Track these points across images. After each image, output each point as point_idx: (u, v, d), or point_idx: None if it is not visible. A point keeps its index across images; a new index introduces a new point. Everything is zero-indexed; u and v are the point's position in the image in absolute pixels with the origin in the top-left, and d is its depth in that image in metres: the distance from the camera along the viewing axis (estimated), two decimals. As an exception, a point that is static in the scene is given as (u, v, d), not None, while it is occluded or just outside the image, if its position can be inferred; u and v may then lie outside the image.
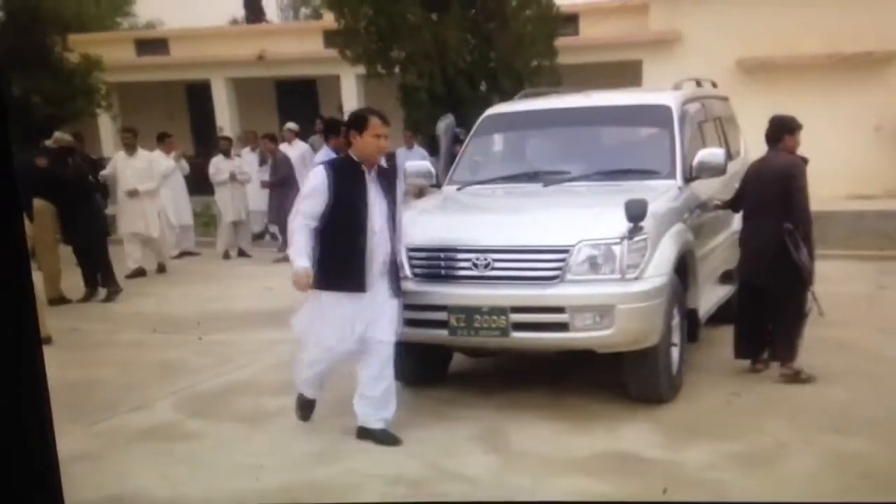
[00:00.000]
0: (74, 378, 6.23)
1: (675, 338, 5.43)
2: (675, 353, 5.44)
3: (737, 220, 7.04)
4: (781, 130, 5.74)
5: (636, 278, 4.89)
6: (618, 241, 4.84)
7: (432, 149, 6.76)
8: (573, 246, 4.86)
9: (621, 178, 5.77)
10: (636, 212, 4.78)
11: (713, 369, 6.06)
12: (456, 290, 5.01)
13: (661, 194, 5.47)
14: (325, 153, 7.46)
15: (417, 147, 11.77)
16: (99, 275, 9.56)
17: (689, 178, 5.83)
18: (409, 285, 5.07)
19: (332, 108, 17.97)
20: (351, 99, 17.35)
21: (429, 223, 5.50)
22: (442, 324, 5.01)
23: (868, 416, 5.04)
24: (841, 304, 7.53)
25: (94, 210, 9.68)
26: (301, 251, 4.67)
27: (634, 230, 4.83)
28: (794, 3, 14.81)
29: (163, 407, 5.76)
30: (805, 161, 5.75)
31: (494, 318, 4.88)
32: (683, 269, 5.52)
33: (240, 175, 12.39)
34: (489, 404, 5.48)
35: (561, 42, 13.23)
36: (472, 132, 6.63)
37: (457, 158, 6.54)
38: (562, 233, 4.95)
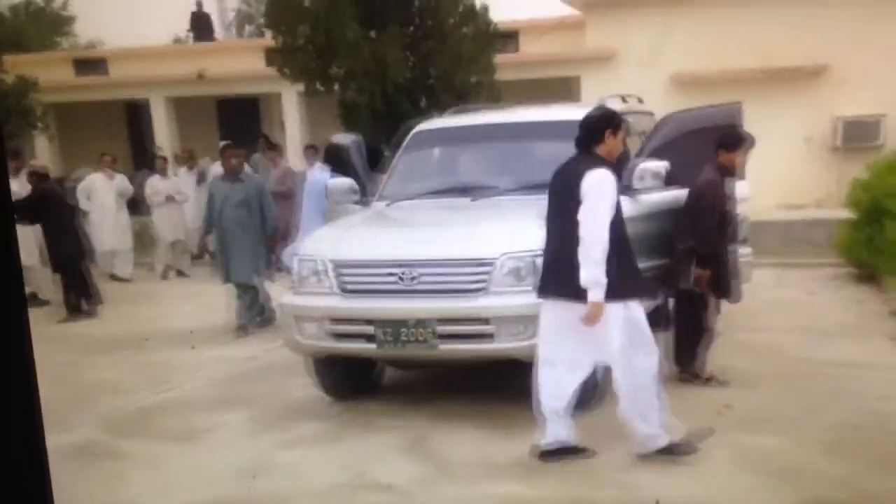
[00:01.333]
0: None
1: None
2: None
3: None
4: (717, 146, 5.73)
5: None
6: (540, 252, 4.95)
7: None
8: (496, 258, 4.98)
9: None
10: None
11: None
12: (383, 303, 5.10)
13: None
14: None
15: (320, 165, 11.70)
16: (83, 298, 9.63)
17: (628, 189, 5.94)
18: (337, 300, 5.14)
19: (275, 126, 17.95)
20: (293, 116, 17.33)
21: (355, 238, 5.59)
22: (370, 337, 5.09)
23: (783, 416, 5.22)
24: (769, 309, 7.81)
25: (77, 232, 9.78)
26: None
27: None
28: (725, 21, 15.25)
29: (92, 427, 5.74)
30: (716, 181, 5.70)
31: (421, 330, 4.99)
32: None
33: (177, 195, 12.31)
34: (419, 414, 5.58)
35: (501, 59, 13.41)
36: (401, 148, 6.73)
37: (386, 174, 6.63)
38: (486, 245, 5.07)
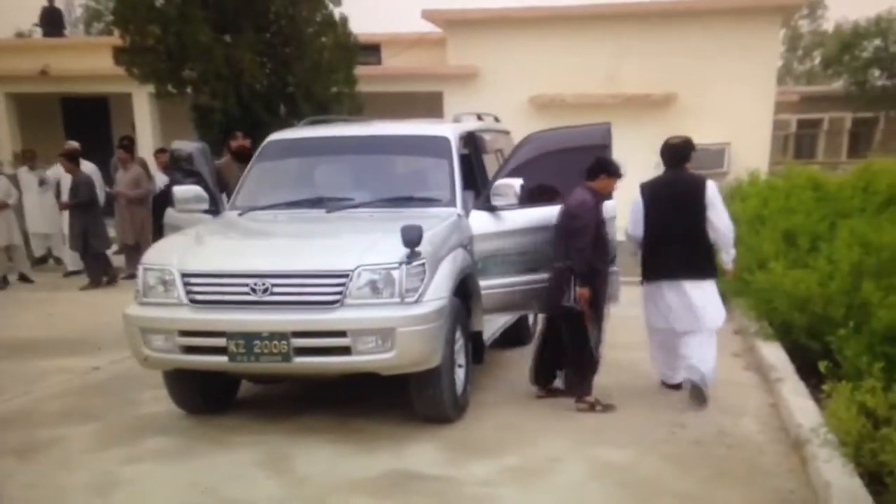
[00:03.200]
0: None
1: (460, 359, 5.59)
2: (460, 373, 5.59)
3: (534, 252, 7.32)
4: (599, 170, 5.81)
5: (416, 302, 4.98)
6: (396, 265, 4.92)
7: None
8: (352, 270, 4.88)
9: (403, 205, 5.87)
10: (412, 237, 4.88)
11: (500, 390, 6.28)
12: (235, 315, 4.90)
13: (441, 221, 5.61)
14: None
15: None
16: None
17: (469, 207, 5.99)
18: (186, 311, 4.92)
19: (126, 128, 17.15)
20: (144, 118, 16.64)
21: (207, 248, 5.37)
22: (221, 350, 4.88)
23: (632, 431, 5.38)
24: (633, 327, 7.98)
25: None
26: None
27: (412, 255, 4.93)
28: (581, 49, 15.86)
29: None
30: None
31: (275, 343, 4.82)
32: (467, 293, 5.69)
33: (6, 197, 11.50)
34: (276, 429, 5.42)
35: (364, 71, 13.36)
36: (254, 157, 6.53)
37: (238, 183, 6.41)
38: (341, 257, 4.97)
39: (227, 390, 5.91)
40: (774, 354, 6.60)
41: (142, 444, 5.22)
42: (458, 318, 5.47)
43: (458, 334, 5.52)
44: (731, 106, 15.60)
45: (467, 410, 5.70)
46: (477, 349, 5.95)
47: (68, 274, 11.99)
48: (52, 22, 20.02)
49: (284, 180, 6.43)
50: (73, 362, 7.22)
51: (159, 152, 11.87)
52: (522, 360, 7.10)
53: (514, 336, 7.34)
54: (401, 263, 4.93)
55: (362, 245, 5.12)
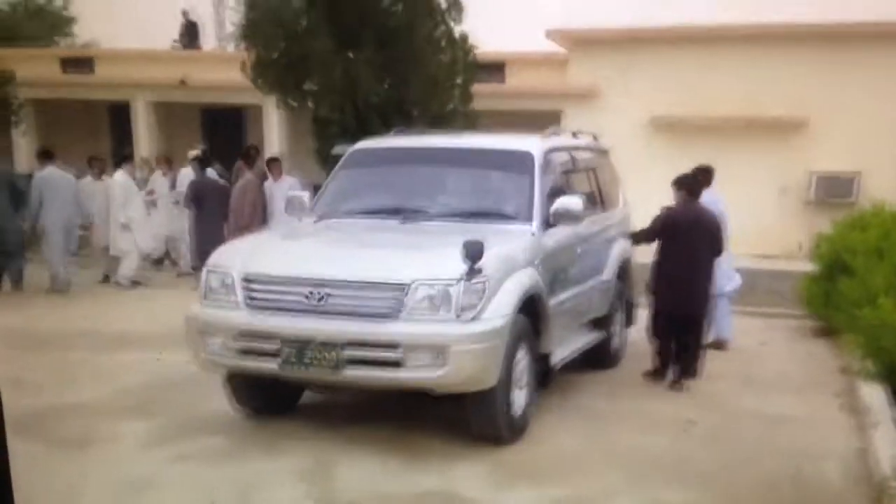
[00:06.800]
0: None
1: (521, 380, 5.43)
2: (521, 394, 5.43)
3: (608, 269, 7.15)
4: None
5: (473, 319, 4.87)
6: (454, 281, 4.82)
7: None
8: (409, 284, 4.82)
9: (477, 219, 5.78)
10: (473, 253, 4.78)
11: (567, 414, 6.08)
12: (288, 321, 4.93)
13: (512, 238, 5.49)
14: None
15: (287, 177, 11.59)
16: None
17: (547, 224, 5.87)
18: (242, 315, 5.00)
19: (257, 137, 17.86)
20: (272, 129, 17.28)
21: (268, 253, 5.45)
22: (273, 355, 4.93)
23: (700, 468, 5.08)
24: (715, 356, 7.67)
25: None
26: None
27: (472, 271, 4.82)
28: (709, 68, 15.28)
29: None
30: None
31: (327, 352, 4.82)
32: (535, 312, 5.53)
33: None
34: (329, 437, 5.41)
35: (486, 88, 13.42)
36: (338, 166, 6.61)
37: (320, 192, 6.50)
38: (398, 269, 4.92)
39: (290, 394, 5.95)
40: (875, 396, 6.11)
41: (194, 443, 5.31)
42: (523, 337, 5.33)
43: (522, 354, 5.37)
44: (864, 134, 14.69)
45: (527, 432, 5.53)
46: (544, 371, 5.80)
47: (182, 275, 12.51)
48: (191, 34, 21.19)
49: (365, 189, 6.45)
50: (151, 357, 7.44)
51: (271, 161, 12.24)
52: (597, 384, 6.91)
53: (593, 359, 7.13)
54: (459, 279, 4.83)
55: (422, 258, 5.06)
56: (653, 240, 6.98)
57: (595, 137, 7.82)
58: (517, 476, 4.87)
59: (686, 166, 7.45)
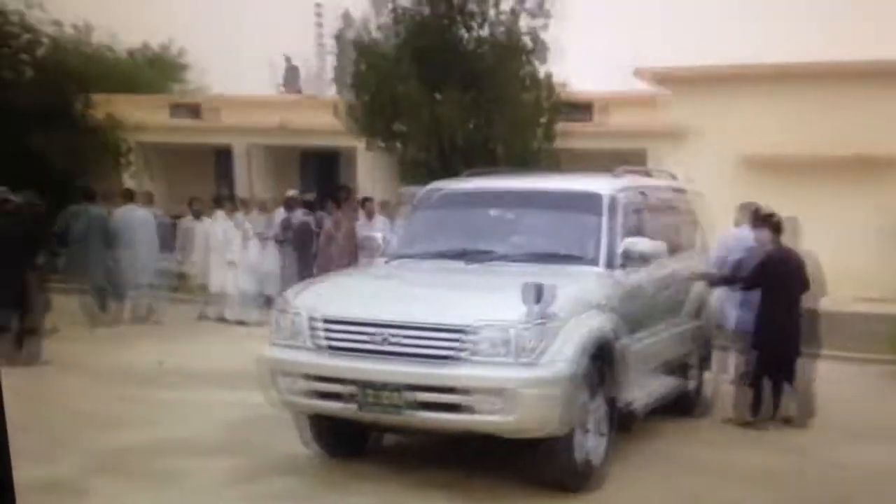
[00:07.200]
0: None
1: (594, 426, 5.35)
2: (594, 441, 5.34)
3: (685, 311, 7.01)
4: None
5: (535, 363, 4.83)
6: (515, 323, 4.82)
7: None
8: (470, 326, 4.84)
9: (544, 261, 5.76)
10: (533, 295, 4.77)
11: (646, 462, 5.95)
12: (351, 363, 5.01)
13: (578, 280, 5.47)
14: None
15: (380, 216, 11.67)
16: None
17: (615, 266, 5.82)
18: (308, 356, 5.13)
19: (351, 178, 18.33)
20: (365, 170, 17.71)
21: (334, 294, 5.57)
22: (336, 396, 5.02)
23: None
24: (820, 405, 7.35)
25: None
26: None
27: (531, 314, 4.81)
28: (798, 108, 14.93)
29: (70, 461, 5.73)
30: None
31: (388, 393, 4.88)
32: (607, 356, 5.45)
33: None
34: (399, 480, 5.43)
35: (573, 127, 13.48)
36: (410, 207, 6.73)
37: (393, 233, 6.64)
38: (458, 312, 4.94)
39: (363, 434, 5.99)
40: None
41: (268, 483, 5.41)
42: (594, 382, 5.26)
43: (595, 399, 5.30)
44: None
45: (603, 481, 5.41)
46: (622, 417, 5.69)
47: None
48: (292, 81, 22.05)
49: (434, 230, 6.54)
50: (236, 396, 7.57)
51: (365, 201, 12.49)
52: (680, 431, 6.75)
53: (675, 404, 6.96)
54: (521, 322, 4.83)
55: (483, 301, 5.09)
56: (749, 288, 7.01)
57: (673, 176, 7.71)
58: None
59: (778, 205, 7.41)
